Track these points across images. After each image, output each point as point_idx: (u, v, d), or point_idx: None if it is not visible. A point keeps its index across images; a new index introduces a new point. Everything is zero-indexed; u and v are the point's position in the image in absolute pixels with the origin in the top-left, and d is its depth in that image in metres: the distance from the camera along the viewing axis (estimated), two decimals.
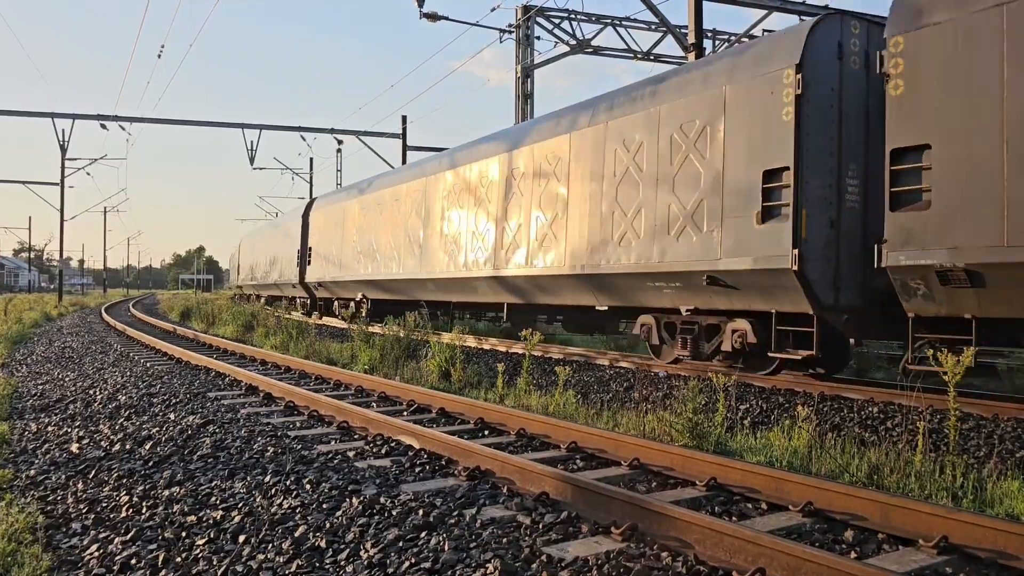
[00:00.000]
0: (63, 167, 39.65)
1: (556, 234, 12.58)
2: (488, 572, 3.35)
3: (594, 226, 11.68)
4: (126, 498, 4.59)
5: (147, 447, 5.94)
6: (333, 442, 6.27)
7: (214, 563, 3.55)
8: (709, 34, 24.28)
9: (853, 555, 3.73)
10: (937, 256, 7.22)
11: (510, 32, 22.63)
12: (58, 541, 3.96)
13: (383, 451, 5.82)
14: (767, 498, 4.55)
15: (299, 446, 5.98)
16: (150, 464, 5.43)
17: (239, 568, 3.49)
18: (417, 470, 5.23)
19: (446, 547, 3.64)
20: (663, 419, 6.47)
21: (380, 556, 3.56)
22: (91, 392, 8.98)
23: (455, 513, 4.20)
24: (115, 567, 3.56)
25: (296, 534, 3.88)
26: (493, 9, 20.51)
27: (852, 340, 9.50)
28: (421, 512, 4.18)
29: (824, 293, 8.70)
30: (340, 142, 37.61)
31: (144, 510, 4.37)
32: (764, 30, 20.94)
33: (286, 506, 4.36)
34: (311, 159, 48.36)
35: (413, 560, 3.50)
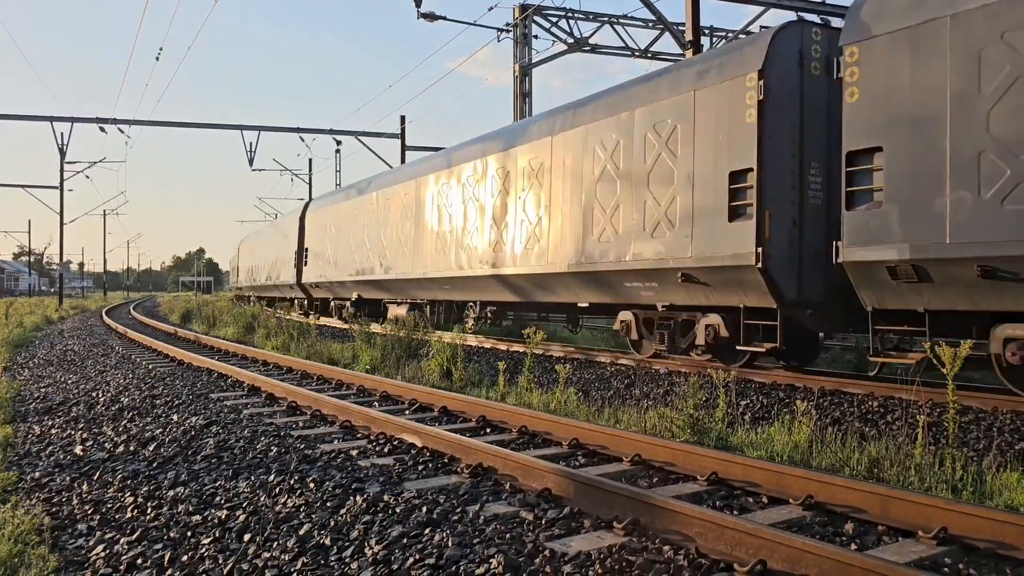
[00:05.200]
0: (62, 170, 39.67)
1: (542, 233, 12.76)
2: (492, 567, 3.38)
3: (577, 224, 11.91)
4: (131, 499, 4.62)
5: (151, 448, 5.97)
6: (336, 441, 6.30)
7: (220, 562, 3.58)
8: (706, 31, 24.29)
9: (853, 547, 3.76)
10: (887, 252, 7.58)
11: (508, 31, 22.64)
12: (64, 542, 3.99)
13: (386, 449, 5.85)
14: (768, 492, 4.58)
15: (302, 445, 6.01)
16: (154, 465, 5.46)
17: (244, 566, 3.52)
18: (420, 468, 5.26)
19: (450, 543, 3.67)
20: (664, 415, 6.50)
21: (384, 553, 3.59)
22: (94, 394, 9.00)
23: (458, 510, 4.23)
24: (121, 567, 3.59)
25: (301, 532, 3.91)
26: (491, 8, 20.56)
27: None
28: (425, 509, 4.21)
29: (788, 288, 9.01)
30: (339, 143, 37.61)
31: (149, 510, 4.40)
32: (761, 26, 20.98)
33: (290, 505, 4.39)
34: (310, 160, 48.52)
35: (417, 556, 3.52)
